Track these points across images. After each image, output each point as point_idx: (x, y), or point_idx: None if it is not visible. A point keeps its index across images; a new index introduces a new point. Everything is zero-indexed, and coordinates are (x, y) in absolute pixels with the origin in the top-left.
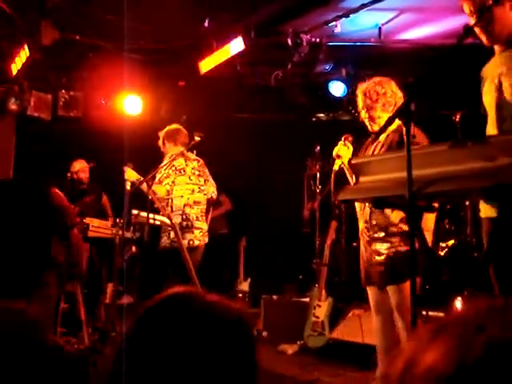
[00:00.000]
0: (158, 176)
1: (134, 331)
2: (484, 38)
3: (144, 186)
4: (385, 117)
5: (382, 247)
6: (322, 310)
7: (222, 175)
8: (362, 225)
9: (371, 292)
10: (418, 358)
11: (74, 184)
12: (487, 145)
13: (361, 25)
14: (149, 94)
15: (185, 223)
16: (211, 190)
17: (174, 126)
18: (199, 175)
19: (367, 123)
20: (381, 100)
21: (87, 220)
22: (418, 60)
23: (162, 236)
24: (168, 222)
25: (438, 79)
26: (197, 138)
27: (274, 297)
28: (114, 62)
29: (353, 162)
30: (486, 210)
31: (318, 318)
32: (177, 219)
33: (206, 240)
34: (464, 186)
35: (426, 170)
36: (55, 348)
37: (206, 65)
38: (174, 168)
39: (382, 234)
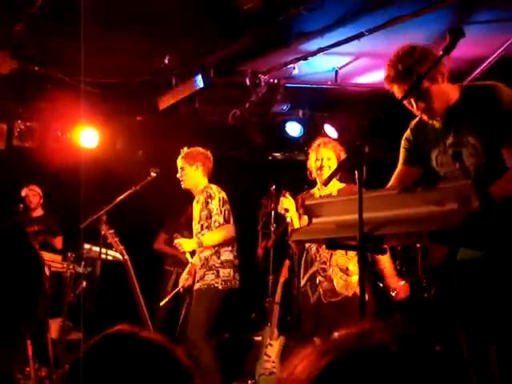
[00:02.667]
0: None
1: (72, 370)
2: (425, 117)
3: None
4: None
5: (341, 287)
6: (273, 349)
7: (177, 212)
8: (316, 266)
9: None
10: (293, 370)
11: (26, 211)
12: (436, 190)
13: (318, 67)
14: (106, 128)
15: (236, 261)
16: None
17: (196, 148)
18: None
19: (323, 174)
20: (328, 145)
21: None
22: (372, 103)
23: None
24: (120, 257)
25: (391, 122)
26: (153, 174)
27: (226, 335)
28: (71, 95)
29: (306, 203)
30: (467, 253)
31: (269, 357)
32: (229, 256)
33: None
34: (413, 229)
35: (377, 212)
36: None
37: (164, 101)
38: (223, 201)
39: (343, 275)
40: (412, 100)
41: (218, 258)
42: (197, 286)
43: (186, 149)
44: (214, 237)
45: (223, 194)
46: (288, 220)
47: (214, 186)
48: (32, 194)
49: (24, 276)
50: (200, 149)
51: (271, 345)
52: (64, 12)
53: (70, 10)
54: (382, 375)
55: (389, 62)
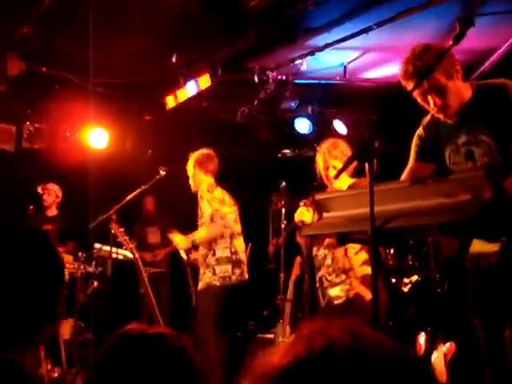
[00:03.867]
0: (206, 215)
1: (98, 369)
2: (441, 116)
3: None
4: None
5: (343, 289)
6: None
7: (188, 211)
8: (323, 271)
9: None
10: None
11: (39, 209)
12: (447, 182)
13: (326, 63)
14: (114, 128)
15: (234, 257)
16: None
17: (206, 151)
18: (234, 204)
19: (326, 181)
20: (335, 150)
21: None
22: (382, 98)
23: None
24: (131, 256)
25: (401, 117)
26: (162, 173)
27: (239, 333)
28: (80, 95)
29: (316, 197)
30: (480, 245)
31: None
32: (225, 252)
33: (247, 276)
34: (425, 221)
35: (388, 206)
36: None
37: (173, 100)
38: (217, 200)
39: (344, 277)
40: (429, 96)
41: (214, 255)
42: (199, 285)
43: (193, 153)
44: (205, 235)
45: (216, 194)
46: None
47: (205, 188)
48: (47, 193)
49: (47, 280)
50: (205, 151)
51: (284, 342)
52: (72, 12)
53: (77, 11)
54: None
55: (406, 58)
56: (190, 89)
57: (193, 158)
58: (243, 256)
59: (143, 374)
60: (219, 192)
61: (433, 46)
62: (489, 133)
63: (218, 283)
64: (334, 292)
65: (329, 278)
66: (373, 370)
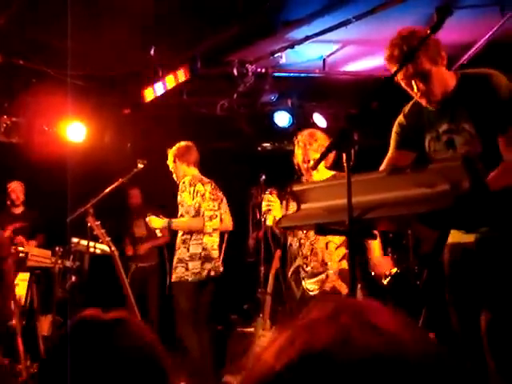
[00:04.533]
0: (184, 204)
1: (48, 357)
2: (424, 101)
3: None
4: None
5: (319, 280)
6: (266, 340)
7: (165, 204)
8: (299, 261)
9: None
10: (259, 356)
11: (10, 207)
12: (425, 172)
13: (306, 56)
14: (93, 121)
15: (203, 253)
16: (223, 209)
17: (184, 143)
18: (214, 199)
19: (303, 169)
20: (316, 143)
21: (26, 248)
22: (361, 91)
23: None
24: (108, 249)
25: (379, 110)
26: (140, 166)
27: (219, 327)
28: (57, 89)
29: (294, 189)
30: (458, 235)
31: (262, 347)
32: (197, 249)
33: (221, 269)
34: (404, 212)
35: (367, 196)
36: None
37: (151, 93)
38: (200, 193)
39: (321, 269)
40: (413, 81)
41: (188, 250)
42: (172, 277)
43: (174, 147)
44: (183, 224)
45: (198, 187)
46: (268, 223)
47: (187, 179)
48: (19, 190)
49: None
50: (182, 143)
51: (264, 336)
52: (49, 4)
53: (55, 2)
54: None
55: (392, 42)
56: (168, 80)
57: (172, 152)
58: (215, 252)
59: (94, 363)
60: (200, 187)
61: (418, 31)
62: (471, 121)
63: (189, 278)
64: (309, 283)
65: (306, 268)
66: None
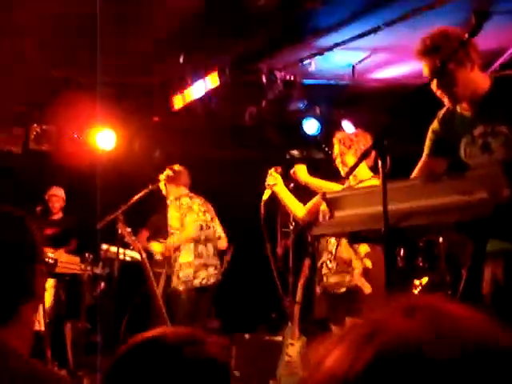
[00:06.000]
0: (170, 223)
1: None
2: (446, 101)
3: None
4: (350, 160)
5: (344, 279)
6: (294, 348)
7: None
8: (324, 257)
9: (336, 330)
10: (321, 363)
11: (47, 213)
12: (463, 179)
13: (335, 63)
14: (122, 129)
15: (197, 261)
16: (219, 229)
17: (176, 166)
18: (206, 211)
19: (340, 169)
20: (353, 147)
21: (55, 255)
22: (390, 99)
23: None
24: (138, 256)
25: (410, 117)
26: (171, 173)
27: (246, 335)
28: (87, 96)
29: (328, 196)
30: (497, 243)
31: (291, 356)
32: (188, 258)
33: (220, 277)
34: (441, 220)
35: (402, 204)
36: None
37: (180, 101)
38: (184, 207)
39: (345, 267)
40: (434, 80)
41: (177, 261)
42: (168, 290)
43: (165, 171)
44: (176, 240)
45: (183, 201)
46: (264, 197)
47: (173, 196)
48: (55, 199)
49: (15, 256)
50: (175, 167)
51: (292, 344)
52: (79, 12)
53: (84, 10)
54: (444, 366)
55: (421, 37)
56: (197, 88)
57: (163, 176)
58: (212, 260)
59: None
60: (187, 200)
61: (450, 29)
62: (507, 123)
63: (181, 287)
64: (333, 280)
65: (330, 265)
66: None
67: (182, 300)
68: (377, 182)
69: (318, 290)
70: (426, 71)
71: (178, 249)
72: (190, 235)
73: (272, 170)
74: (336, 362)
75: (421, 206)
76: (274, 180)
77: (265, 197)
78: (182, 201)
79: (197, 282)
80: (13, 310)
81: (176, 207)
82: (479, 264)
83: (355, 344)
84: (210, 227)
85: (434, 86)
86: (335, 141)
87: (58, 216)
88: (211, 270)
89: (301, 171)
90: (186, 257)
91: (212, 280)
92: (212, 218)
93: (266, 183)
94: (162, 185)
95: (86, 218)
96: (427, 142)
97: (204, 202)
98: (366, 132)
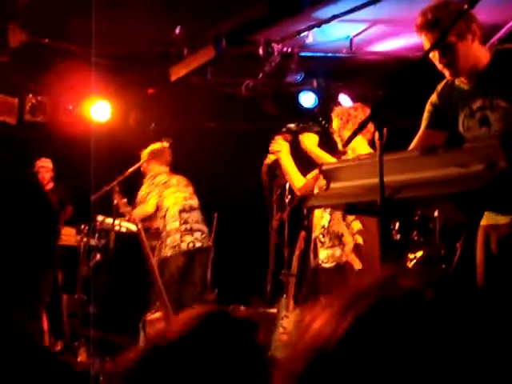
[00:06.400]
0: (139, 196)
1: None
2: (447, 73)
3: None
4: (346, 134)
5: (335, 253)
6: (289, 321)
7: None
8: (317, 231)
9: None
10: (307, 330)
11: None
12: (460, 152)
13: (332, 36)
14: (117, 101)
15: (183, 227)
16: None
17: (159, 144)
18: (186, 185)
19: (338, 143)
20: (351, 121)
21: None
22: (389, 72)
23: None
24: (134, 228)
25: (408, 91)
26: (165, 144)
27: (242, 308)
28: (82, 67)
29: (323, 168)
30: (492, 217)
31: (285, 328)
32: (174, 224)
33: (210, 243)
34: (437, 192)
35: (398, 176)
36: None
37: (176, 72)
38: (155, 184)
39: (337, 242)
40: (436, 53)
41: (165, 229)
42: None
43: (149, 147)
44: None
45: (157, 180)
46: (267, 161)
47: (161, 174)
48: (45, 171)
49: (40, 226)
50: (158, 145)
51: (287, 317)
52: None
53: None
54: (419, 327)
55: (423, 10)
56: (193, 59)
57: (146, 152)
58: (199, 226)
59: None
60: (163, 177)
61: (452, 2)
62: (506, 97)
63: (168, 253)
64: (324, 254)
65: (322, 239)
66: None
67: (170, 264)
68: (362, 140)
69: (312, 264)
70: (426, 44)
71: (163, 218)
72: (147, 210)
73: (280, 137)
74: (320, 328)
75: (417, 178)
76: (279, 147)
77: (268, 161)
78: (157, 178)
79: (184, 246)
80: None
81: (149, 185)
82: (472, 236)
83: (337, 310)
84: (194, 197)
85: (434, 58)
86: (334, 115)
87: (49, 186)
88: (197, 234)
89: (309, 139)
90: (172, 224)
91: (198, 244)
92: (194, 192)
93: (271, 148)
94: (144, 160)
95: (81, 189)
96: (425, 115)
97: (184, 179)
98: (365, 105)
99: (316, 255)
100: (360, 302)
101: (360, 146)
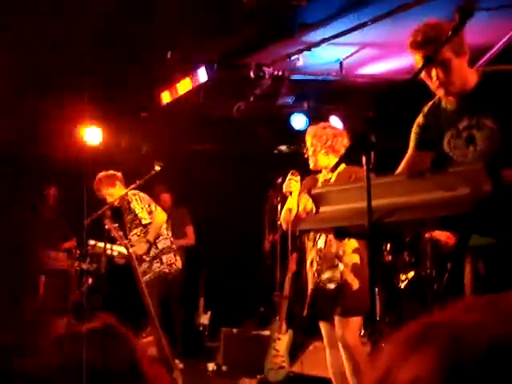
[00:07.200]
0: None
1: None
2: (441, 92)
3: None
4: (322, 157)
5: (335, 275)
6: (282, 343)
7: (182, 206)
8: (312, 254)
9: (323, 326)
10: (393, 374)
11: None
12: (446, 175)
13: (322, 59)
14: (109, 125)
15: (174, 246)
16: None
17: (103, 172)
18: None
19: (311, 162)
20: (328, 143)
21: None
22: (378, 94)
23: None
24: (126, 252)
25: (397, 113)
26: (157, 168)
27: (234, 330)
28: (75, 92)
29: (313, 192)
30: (479, 238)
31: (278, 351)
32: (166, 243)
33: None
34: (424, 215)
35: (386, 200)
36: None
37: (168, 96)
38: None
39: (335, 263)
40: (433, 69)
41: (157, 248)
42: (146, 277)
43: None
44: (153, 230)
45: (137, 196)
46: (288, 205)
47: (129, 193)
48: (54, 195)
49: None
50: (103, 173)
51: (280, 339)
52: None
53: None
54: None
55: (417, 28)
56: (185, 83)
57: (97, 184)
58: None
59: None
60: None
61: (443, 23)
62: (492, 117)
63: (167, 270)
64: (325, 276)
65: (320, 261)
66: None
67: (164, 283)
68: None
69: (310, 287)
70: (418, 62)
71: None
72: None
73: (292, 177)
74: (422, 368)
75: (405, 201)
76: (293, 187)
77: (291, 205)
78: (138, 196)
79: (179, 265)
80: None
81: (137, 201)
82: (461, 258)
83: (449, 343)
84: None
85: (426, 77)
86: (308, 135)
87: (51, 214)
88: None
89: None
90: (164, 242)
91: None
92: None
93: (285, 190)
94: (99, 192)
95: (74, 213)
96: (412, 136)
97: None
98: (343, 131)
99: (314, 278)
100: (489, 326)
101: (332, 162)
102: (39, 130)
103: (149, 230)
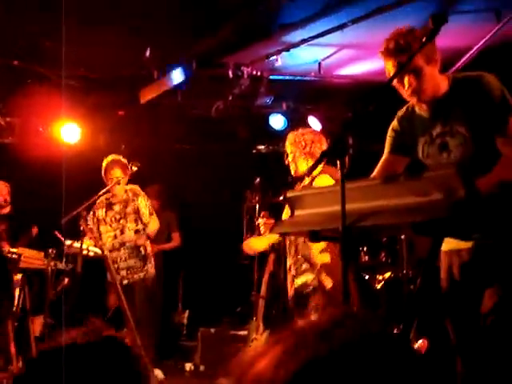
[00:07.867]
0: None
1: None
2: (414, 100)
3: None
4: (301, 163)
5: (309, 278)
6: (258, 343)
7: (158, 206)
8: (290, 260)
9: None
10: (250, 366)
11: None
12: (419, 180)
13: (301, 59)
14: (87, 123)
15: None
16: None
17: (120, 156)
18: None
19: (292, 169)
20: (306, 149)
21: (19, 250)
22: (356, 95)
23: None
24: (100, 253)
25: (374, 115)
26: (134, 168)
27: (212, 330)
28: (52, 89)
29: (288, 195)
30: (454, 242)
31: None
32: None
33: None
34: (397, 220)
35: (360, 203)
36: None
37: (147, 94)
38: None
39: (307, 266)
40: (405, 77)
41: (147, 250)
42: (141, 275)
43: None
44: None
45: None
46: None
47: (137, 187)
48: (7, 192)
49: None
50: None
51: (256, 339)
52: (44, 4)
53: (50, 1)
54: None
55: (389, 36)
56: (164, 82)
57: (114, 162)
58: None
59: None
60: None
61: (416, 30)
62: (465, 124)
63: (153, 271)
64: (300, 281)
65: (294, 267)
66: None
67: (157, 283)
68: (327, 177)
69: (290, 292)
70: (391, 71)
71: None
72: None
73: (263, 219)
74: (266, 368)
75: (378, 206)
76: (268, 228)
77: (263, 246)
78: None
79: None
80: None
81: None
82: (433, 261)
83: (286, 351)
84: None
85: (398, 85)
86: (288, 141)
87: (5, 211)
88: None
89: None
90: (149, 244)
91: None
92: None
93: (263, 234)
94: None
95: (50, 212)
96: (388, 140)
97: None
98: (316, 132)
99: (292, 284)
100: (302, 351)
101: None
102: (15, 124)
103: (141, 235)
